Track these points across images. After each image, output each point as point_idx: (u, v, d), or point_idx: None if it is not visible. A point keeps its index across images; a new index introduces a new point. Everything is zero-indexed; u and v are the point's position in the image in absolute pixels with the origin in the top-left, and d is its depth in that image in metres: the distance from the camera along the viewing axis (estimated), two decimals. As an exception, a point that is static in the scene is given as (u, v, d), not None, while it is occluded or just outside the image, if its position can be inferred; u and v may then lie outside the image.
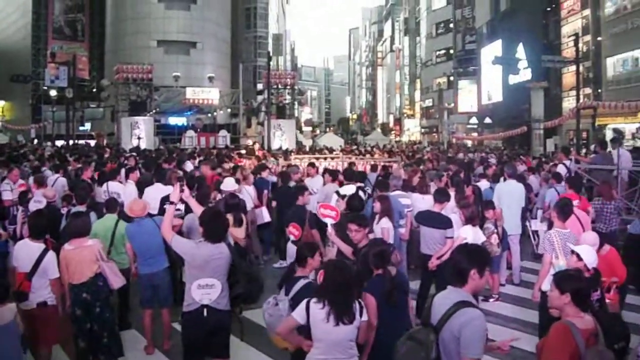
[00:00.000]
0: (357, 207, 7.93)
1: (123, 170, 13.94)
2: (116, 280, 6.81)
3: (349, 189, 9.69)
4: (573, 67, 32.50)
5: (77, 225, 6.75)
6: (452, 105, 63.45)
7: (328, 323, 4.50)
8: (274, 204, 12.26)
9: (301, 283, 5.34)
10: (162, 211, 8.51)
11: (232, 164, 16.74)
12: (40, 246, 6.40)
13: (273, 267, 11.36)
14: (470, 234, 7.94)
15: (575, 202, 8.60)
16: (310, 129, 78.58)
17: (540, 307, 6.95)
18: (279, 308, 5.24)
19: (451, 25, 69.94)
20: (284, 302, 5.24)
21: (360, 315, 4.62)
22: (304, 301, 4.68)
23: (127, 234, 7.58)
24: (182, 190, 6.09)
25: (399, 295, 5.17)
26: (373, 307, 4.98)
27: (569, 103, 36.80)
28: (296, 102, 48.73)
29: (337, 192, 9.37)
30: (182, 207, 7.30)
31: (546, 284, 6.45)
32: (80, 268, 6.44)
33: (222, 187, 10.07)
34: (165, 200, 8.65)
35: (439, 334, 4.01)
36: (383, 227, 8.13)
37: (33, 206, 9.40)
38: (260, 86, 53.54)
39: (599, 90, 35.67)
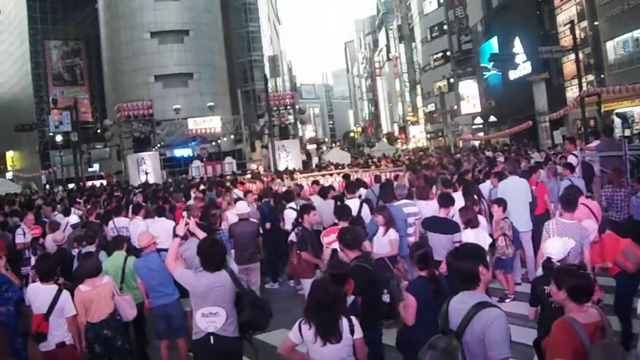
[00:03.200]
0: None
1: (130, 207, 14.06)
2: (131, 312, 7.09)
3: (353, 204, 9.65)
4: (573, 56, 32.24)
5: (88, 266, 7.01)
6: (455, 107, 63.30)
7: (316, 343, 4.55)
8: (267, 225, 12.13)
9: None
10: None
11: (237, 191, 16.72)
12: (54, 287, 6.60)
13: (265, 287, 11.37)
14: (472, 238, 7.85)
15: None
16: (314, 146, 78.47)
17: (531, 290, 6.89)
18: None
19: (445, 27, 69.93)
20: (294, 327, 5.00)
21: (352, 333, 4.58)
22: (298, 321, 4.72)
23: (135, 269, 7.86)
24: (187, 223, 6.33)
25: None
26: (413, 307, 5.26)
27: (572, 92, 36.38)
28: (298, 121, 48.71)
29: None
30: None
31: (540, 270, 6.45)
32: (99, 307, 6.68)
33: (235, 211, 10.28)
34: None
35: (462, 339, 3.92)
36: (391, 239, 8.03)
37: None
38: (260, 109, 53.73)
39: (602, 76, 35.13)
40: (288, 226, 11.09)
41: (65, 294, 6.53)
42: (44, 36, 68.48)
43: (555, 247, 5.91)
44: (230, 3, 69.33)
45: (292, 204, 11.79)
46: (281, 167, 34.18)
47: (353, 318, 4.70)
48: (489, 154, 28.24)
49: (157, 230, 9.68)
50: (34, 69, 67.21)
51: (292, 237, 10.79)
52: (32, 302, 6.66)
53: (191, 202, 14.65)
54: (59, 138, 46.25)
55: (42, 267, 6.89)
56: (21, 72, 69.61)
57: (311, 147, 72.86)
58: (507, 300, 9.14)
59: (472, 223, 8.35)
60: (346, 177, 15.54)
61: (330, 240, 7.16)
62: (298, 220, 10.77)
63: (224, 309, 5.45)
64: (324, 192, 12.08)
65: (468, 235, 8.00)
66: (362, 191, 12.47)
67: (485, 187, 12.13)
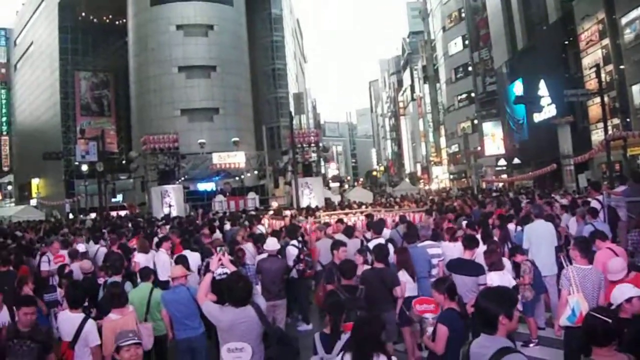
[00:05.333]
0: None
1: (155, 239, 14.11)
2: (150, 341, 7.11)
3: (377, 242, 9.69)
4: (598, 99, 32.11)
5: (117, 295, 7.10)
6: (479, 148, 63.16)
7: None
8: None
9: (344, 338, 5.40)
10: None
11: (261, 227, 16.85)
12: (80, 315, 6.66)
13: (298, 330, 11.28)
14: (497, 281, 7.79)
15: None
16: (337, 184, 78.47)
17: (565, 344, 7.04)
18: None
19: (470, 68, 70.16)
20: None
21: None
22: (340, 353, 4.91)
23: (162, 301, 7.91)
24: (220, 259, 6.45)
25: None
26: (444, 337, 5.45)
27: (597, 136, 36.17)
28: (322, 159, 48.84)
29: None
30: (227, 271, 7.32)
31: (563, 320, 6.61)
32: None
33: (265, 247, 10.26)
34: (207, 267, 8.94)
35: None
36: (401, 280, 8.07)
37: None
38: (284, 146, 54.07)
39: (628, 120, 34.90)
40: (290, 262, 11.11)
41: (91, 322, 6.56)
42: (74, 67, 69.96)
43: (499, 280, 6.01)
44: (258, 40, 70.27)
45: (294, 242, 11.84)
46: (303, 204, 34.21)
47: (393, 358, 4.76)
48: (513, 195, 28.01)
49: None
50: (63, 99, 68.49)
51: (294, 273, 10.93)
52: (61, 330, 6.74)
53: (217, 235, 14.74)
54: (84, 167, 46.81)
55: (72, 294, 6.95)
56: (50, 102, 70.86)
57: (334, 185, 72.84)
58: (531, 345, 9.06)
59: (496, 265, 8.33)
60: (369, 216, 15.35)
61: (422, 310, 6.93)
62: (299, 257, 11.15)
63: (249, 344, 5.40)
64: (348, 231, 12.05)
65: (492, 278, 7.96)
66: (386, 231, 12.46)
67: (510, 229, 12.13)
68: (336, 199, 43.02)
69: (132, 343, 5.23)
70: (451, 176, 79.98)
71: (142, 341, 5.80)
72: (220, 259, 6.43)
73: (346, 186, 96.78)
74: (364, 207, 23.87)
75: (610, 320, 4.05)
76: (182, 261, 9.49)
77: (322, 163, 56.62)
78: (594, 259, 7.34)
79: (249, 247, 11.45)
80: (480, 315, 4.18)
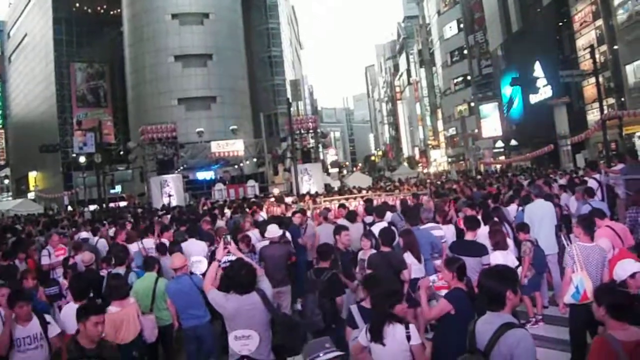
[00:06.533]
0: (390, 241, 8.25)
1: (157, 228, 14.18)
2: (153, 333, 7.29)
3: (380, 227, 9.70)
4: (593, 79, 32.19)
5: (118, 287, 7.15)
6: (476, 131, 63.16)
7: (371, 343, 5.03)
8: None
9: None
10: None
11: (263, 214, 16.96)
12: None
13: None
14: (501, 260, 7.87)
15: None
16: (337, 170, 78.49)
17: (570, 321, 7.21)
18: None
19: (465, 51, 70.01)
20: (362, 331, 5.41)
21: (409, 340, 4.91)
22: (365, 325, 5.22)
23: (167, 291, 7.90)
24: (226, 247, 6.41)
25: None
26: (441, 310, 5.66)
27: (593, 116, 36.31)
28: (320, 145, 48.84)
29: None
30: (231, 258, 7.36)
31: (568, 297, 6.80)
32: (129, 327, 6.79)
33: (267, 234, 10.19)
34: (213, 254, 8.93)
35: (489, 359, 4.06)
36: (407, 263, 8.14)
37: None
38: (282, 133, 54.11)
39: (622, 99, 35.04)
40: None
41: None
42: (69, 58, 69.82)
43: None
44: (254, 28, 70.12)
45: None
46: (303, 191, 34.28)
47: (411, 325, 5.00)
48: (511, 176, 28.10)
49: (190, 251, 9.86)
50: (59, 91, 68.38)
51: None
52: (66, 323, 6.69)
53: (220, 223, 14.79)
54: (82, 159, 46.77)
55: (76, 286, 6.98)
56: (46, 94, 70.67)
57: (333, 170, 72.76)
58: (529, 325, 9.12)
59: (500, 245, 8.41)
60: (368, 201, 15.25)
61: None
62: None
63: (256, 331, 5.42)
64: (351, 215, 12.12)
65: (496, 258, 8.04)
66: (388, 215, 12.53)
67: (511, 210, 12.22)
68: (336, 184, 43.06)
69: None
70: (449, 159, 80.00)
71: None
72: (226, 247, 6.42)
73: (345, 172, 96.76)
74: (364, 192, 23.91)
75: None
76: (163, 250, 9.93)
77: (321, 149, 56.64)
78: (594, 237, 7.44)
79: (255, 233, 11.45)
80: (487, 293, 4.30)
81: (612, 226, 8.32)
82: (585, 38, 38.38)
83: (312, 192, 30.97)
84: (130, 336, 6.75)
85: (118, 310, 6.79)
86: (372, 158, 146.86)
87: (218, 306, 5.66)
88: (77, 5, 69.12)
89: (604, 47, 36.40)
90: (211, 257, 9.41)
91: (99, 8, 70.34)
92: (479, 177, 32.60)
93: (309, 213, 15.14)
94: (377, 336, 4.99)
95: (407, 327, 4.97)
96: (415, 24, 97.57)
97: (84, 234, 14.86)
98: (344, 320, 6.51)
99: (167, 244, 10.49)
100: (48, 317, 6.33)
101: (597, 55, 32.22)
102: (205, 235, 11.92)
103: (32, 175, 73.27)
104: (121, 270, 8.86)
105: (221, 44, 60.21)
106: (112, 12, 68.50)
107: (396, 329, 4.97)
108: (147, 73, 59.28)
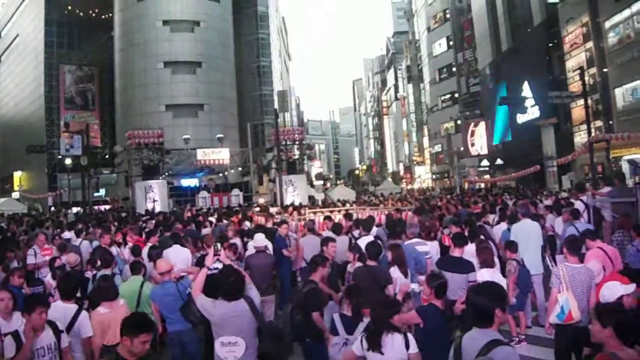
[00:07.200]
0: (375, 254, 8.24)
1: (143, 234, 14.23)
2: None
3: (366, 240, 9.70)
4: (581, 101, 32.40)
5: (108, 289, 7.09)
6: (462, 149, 63.48)
7: (369, 352, 5.14)
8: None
9: (366, 321, 5.78)
10: None
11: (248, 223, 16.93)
12: (74, 306, 6.62)
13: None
14: (488, 277, 7.83)
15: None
16: (321, 182, 78.54)
17: (555, 342, 7.23)
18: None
19: (454, 69, 70.50)
20: (357, 340, 5.54)
21: (407, 348, 5.08)
22: (361, 335, 5.35)
23: (151, 296, 7.93)
24: (217, 254, 6.52)
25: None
26: (410, 319, 5.92)
27: (580, 138, 36.57)
28: (305, 157, 48.87)
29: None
30: (219, 266, 7.35)
31: (553, 317, 6.80)
32: (116, 329, 6.51)
33: (253, 243, 10.25)
34: (201, 261, 9.19)
35: None
36: (393, 277, 8.10)
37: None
38: (268, 143, 54.04)
39: (610, 122, 35.31)
40: None
41: (84, 314, 6.54)
42: (59, 60, 69.45)
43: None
44: (243, 37, 70.31)
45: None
46: (287, 202, 34.24)
47: (409, 334, 5.15)
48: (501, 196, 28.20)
49: (173, 257, 9.81)
50: (47, 92, 67.91)
51: None
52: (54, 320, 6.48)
53: (206, 231, 14.74)
54: (68, 161, 46.46)
55: (65, 285, 6.90)
56: (34, 95, 70.18)
57: (318, 183, 72.81)
58: (512, 344, 9.09)
59: (487, 263, 8.43)
60: (347, 215, 15.21)
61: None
62: None
63: (243, 338, 5.43)
64: (337, 228, 12.09)
65: (483, 275, 8.04)
66: (374, 229, 12.52)
67: (499, 229, 12.26)
68: (320, 197, 43.04)
69: None
70: (434, 176, 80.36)
71: None
72: (217, 255, 6.48)
73: (328, 184, 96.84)
74: (347, 205, 23.93)
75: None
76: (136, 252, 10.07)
77: (306, 161, 56.65)
78: (585, 259, 7.45)
79: (237, 242, 11.49)
80: (475, 310, 4.27)
81: (604, 248, 8.34)
82: (575, 60, 38.70)
83: (297, 203, 30.95)
84: (117, 338, 6.65)
85: (107, 312, 6.74)
86: (357, 172, 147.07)
87: (205, 312, 5.65)
88: (70, 8, 68.78)
89: (593, 70, 36.74)
90: (197, 264, 9.41)
91: (90, 12, 70.05)
92: (462, 196, 32.68)
93: (292, 224, 15.10)
94: (375, 345, 5.10)
95: (405, 336, 5.12)
96: (404, 39, 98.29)
97: (67, 235, 14.83)
98: (320, 334, 6.64)
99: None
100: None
101: (586, 77, 32.49)
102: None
103: (17, 175, 72.75)
104: (107, 272, 8.91)
105: (211, 52, 60.27)
106: (103, 16, 68.26)
107: (395, 337, 5.09)
108: (136, 78, 59.15)
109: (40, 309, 5.67)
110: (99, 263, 9.45)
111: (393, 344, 5.09)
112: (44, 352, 5.70)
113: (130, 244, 12.14)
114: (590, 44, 37.17)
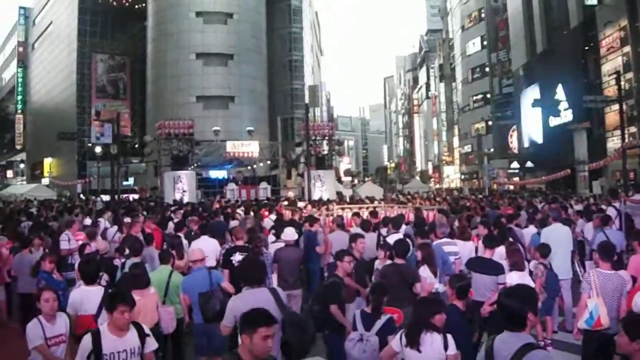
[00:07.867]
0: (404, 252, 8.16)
1: (171, 224, 14.32)
2: (172, 325, 7.31)
3: (395, 237, 9.65)
4: (616, 106, 31.96)
5: (140, 277, 7.22)
6: (492, 150, 62.99)
7: (407, 348, 5.22)
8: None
9: (384, 319, 6.12)
10: (225, 262, 9.18)
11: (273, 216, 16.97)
12: (100, 289, 6.75)
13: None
14: (517, 280, 7.78)
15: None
16: (349, 179, 78.36)
17: (583, 348, 7.09)
18: (371, 343, 5.88)
19: (487, 69, 69.92)
20: (373, 337, 5.89)
21: (446, 349, 5.14)
22: (400, 332, 5.43)
23: (182, 285, 7.95)
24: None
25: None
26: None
27: (613, 143, 36.10)
28: (334, 153, 48.74)
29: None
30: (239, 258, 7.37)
31: (581, 323, 6.74)
32: (146, 317, 6.68)
33: (283, 236, 10.26)
34: (231, 252, 9.26)
35: None
36: (421, 276, 8.04)
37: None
38: (297, 138, 54.01)
39: (644, 128, 34.88)
40: None
41: None
42: (92, 49, 69.93)
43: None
44: (276, 31, 70.20)
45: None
46: (315, 197, 34.21)
47: (449, 335, 5.16)
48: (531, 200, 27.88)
49: (202, 248, 9.82)
50: (79, 80, 68.47)
51: None
52: (82, 304, 6.58)
53: (234, 223, 14.76)
54: (98, 149, 46.94)
55: (86, 270, 6.97)
56: (66, 82, 70.89)
57: (346, 179, 72.69)
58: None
59: (518, 265, 8.35)
60: (372, 214, 14.85)
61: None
62: None
63: None
64: (365, 224, 12.04)
65: (513, 278, 7.96)
66: (403, 227, 12.44)
67: (528, 232, 12.11)
68: (348, 192, 42.94)
69: None
70: (462, 176, 79.78)
71: None
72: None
73: (356, 181, 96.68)
74: (376, 202, 23.82)
75: None
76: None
77: (335, 157, 56.61)
78: (630, 261, 7.33)
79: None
80: (506, 313, 4.21)
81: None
82: (612, 64, 38.19)
83: (324, 198, 30.89)
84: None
85: (138, 299, 6.69)
86: (385, 169, 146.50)
87: (231, 310, 5.77)
88: (104, -4, 69.47)
89: (630, 75, 36.20)
90: (225, 256, 9.43)
91: (124, 1, 70.48)
92: (491, 198, 32.35)
93: (321, 219, 15.04)
94: (413, 342, 5.17)
95: (444, 337, 5.15)
96: (438, 38, 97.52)
97: (102, 223, 14.99)
98: (339, 326, 6.79)
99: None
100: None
101: (622, 82, 32.02)
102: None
103: (47, 161, 73.67)
104: (137, 260, 8.86)
105: (243, 44, 60.39)
106: (137, 6, 68.65)
107: (434, 337, 5.14)
108: (168, 69, 59.51)
109: (122, 307, 5.27)
110: (127, 251, 9.45)
111: (432, 344, 5.14)
112: (126, 355, 5.31)
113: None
114: (627, 48, 36.62)
